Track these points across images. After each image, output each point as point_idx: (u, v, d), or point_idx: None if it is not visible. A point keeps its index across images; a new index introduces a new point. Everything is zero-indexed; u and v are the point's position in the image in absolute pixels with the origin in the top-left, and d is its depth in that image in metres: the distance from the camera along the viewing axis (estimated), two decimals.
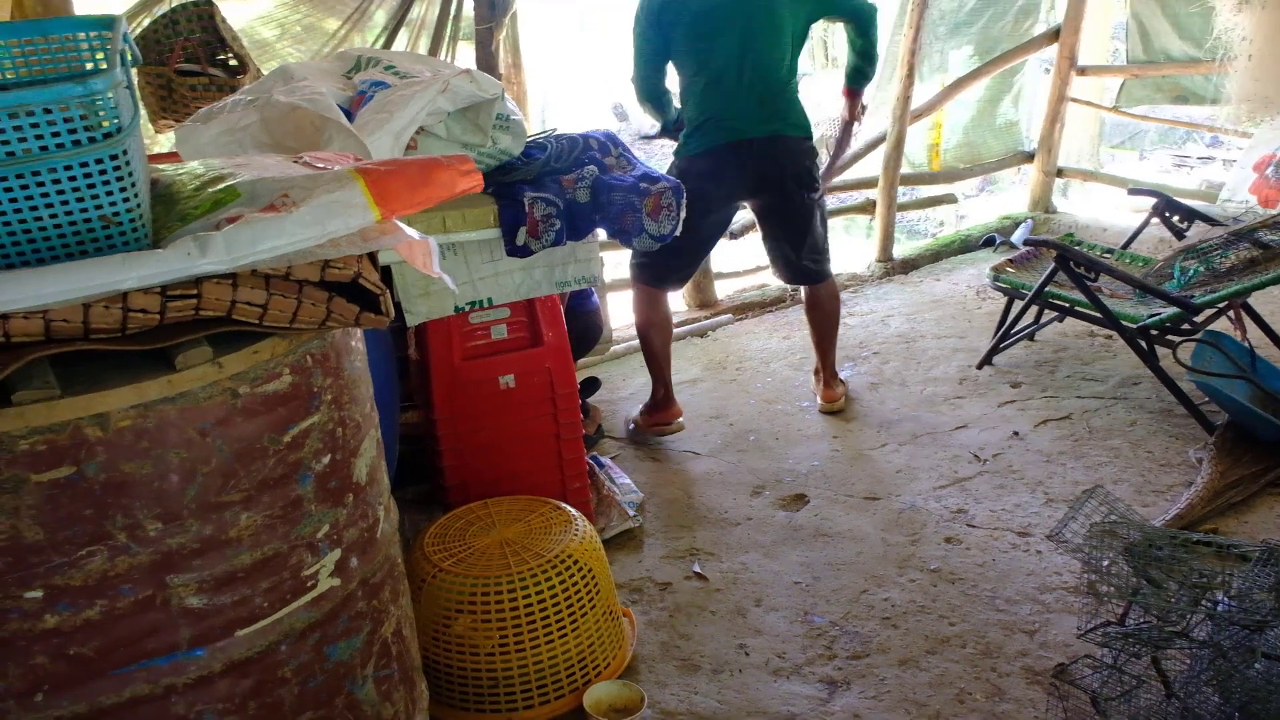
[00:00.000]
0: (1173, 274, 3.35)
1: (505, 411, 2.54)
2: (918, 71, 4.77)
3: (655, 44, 3.07)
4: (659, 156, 4.94)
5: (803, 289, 3.44)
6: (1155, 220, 3.75)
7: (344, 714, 1.42)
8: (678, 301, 4.45)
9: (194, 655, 1.25)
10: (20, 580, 1.14)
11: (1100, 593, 1.89)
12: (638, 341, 4.08)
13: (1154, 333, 3.15)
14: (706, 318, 4.35)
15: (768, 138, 3.07)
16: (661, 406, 3.31)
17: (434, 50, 3.61)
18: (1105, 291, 3.40)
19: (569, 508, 2.27)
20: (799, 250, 3.26)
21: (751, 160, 3.07)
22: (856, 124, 3.45)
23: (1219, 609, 1.75)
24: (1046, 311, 3.69)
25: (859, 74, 3.31)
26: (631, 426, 3.38)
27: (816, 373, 3.53)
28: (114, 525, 1.16)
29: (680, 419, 3.33)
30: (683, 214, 2.53)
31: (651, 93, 3.18)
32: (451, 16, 3.57)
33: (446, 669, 2.04)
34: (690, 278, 3.29)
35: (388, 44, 3.56)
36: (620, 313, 4.28)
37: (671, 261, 3.17)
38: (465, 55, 3.70)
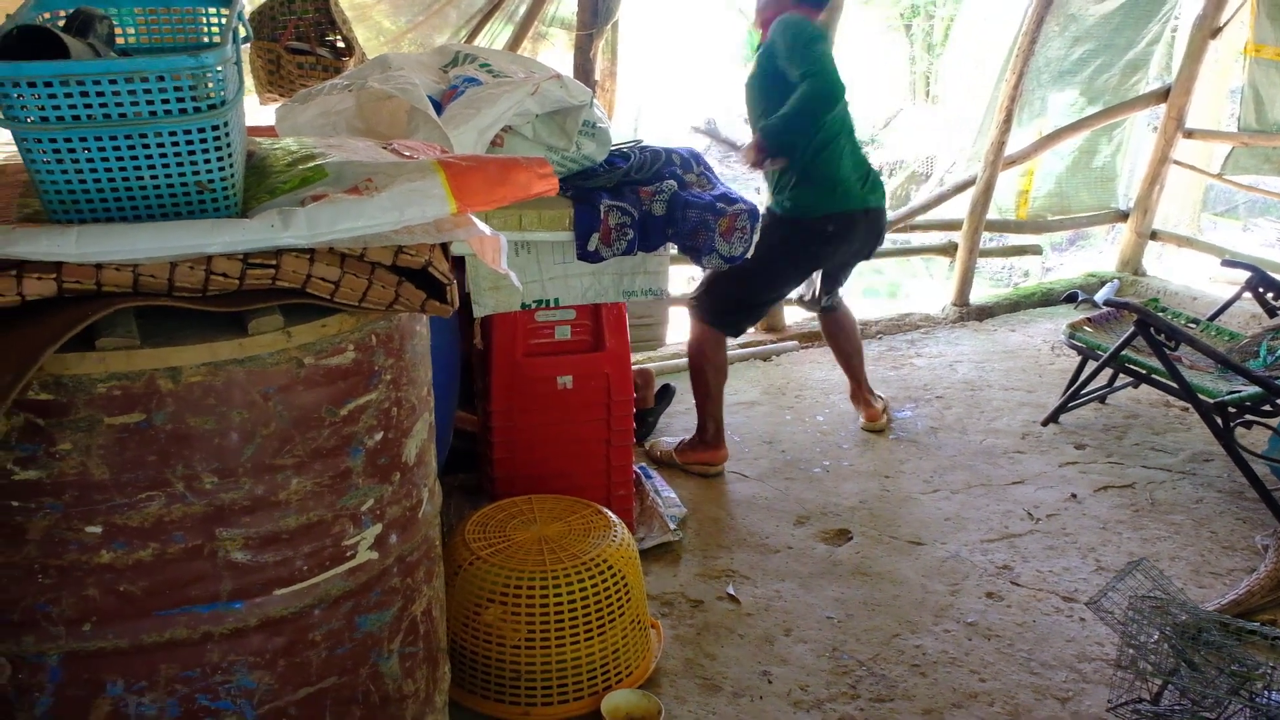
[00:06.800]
0: (1259, 352, 3.24)
1: (560, 411, 2.58)
2: (1016, 118, 4.69)
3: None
4: (743, 180, 4.93)
5: (819, 320, 3.58)
6: (1248, 295, 3.63)
7: (366, 684, 1.46)
8: None
9: (233, 607, 1.31)
10: (83, 515, 1.21)
11: (1139, 669, 1.84)
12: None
13: (1232, 410, 3.05)
14: (772, 341, 4.35)
15: (876, 209, 3.16)
16: (711, 445, 3.18)
17: (516, 42, 3.67)
18: (1185, 362, 3.30)
19: (610, 513, 2.29)
20: (830, 293, 3.43)
21: (858, 233, 3.15)
22: (743, 160, 3.13)
23: (1261, 701, 1.69)
24: (1121, 376, 3.60)
25: (769, 126, 2.94)
26: (664, 454, 3.24)
27: (854, 396, 3.58)
28: (174, 474, 1.23)
29: (725, 462, 3.21)
30: (755, 237, 2.54)
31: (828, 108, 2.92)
32: (541, 18, 3.64)
33: (472, 655, 2.08)
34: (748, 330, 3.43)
35: (476, 30, 3.62)
36: (682, 325, 4.30)
37: (744, 315, 3.27)
38: (550, 53, 3.75)
